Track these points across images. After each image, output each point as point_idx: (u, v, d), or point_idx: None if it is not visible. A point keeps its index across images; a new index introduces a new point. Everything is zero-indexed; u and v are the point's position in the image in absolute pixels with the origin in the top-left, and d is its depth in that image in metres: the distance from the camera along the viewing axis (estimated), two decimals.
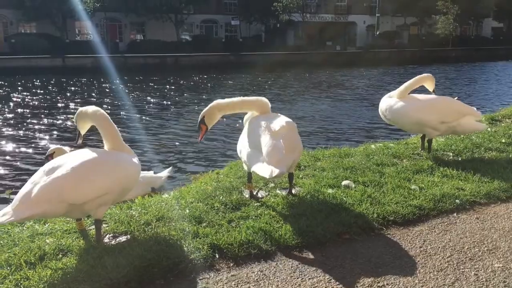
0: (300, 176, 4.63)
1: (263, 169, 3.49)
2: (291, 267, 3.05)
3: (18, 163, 11.70)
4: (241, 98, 4.13)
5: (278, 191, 4.21)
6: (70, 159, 3.09)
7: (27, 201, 2.83)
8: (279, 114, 4.09)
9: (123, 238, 3.28)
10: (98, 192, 3.03)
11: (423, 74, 5.61)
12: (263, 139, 3.66)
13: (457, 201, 4.05)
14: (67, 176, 2.94)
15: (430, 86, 5.67)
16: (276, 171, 3.39)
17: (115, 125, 3.36)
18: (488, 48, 57.61)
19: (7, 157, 12.24)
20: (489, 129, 6.58)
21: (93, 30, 47.95)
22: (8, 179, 10.25)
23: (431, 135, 5.43)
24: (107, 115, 3.36)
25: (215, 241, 3.20)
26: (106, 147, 3.37)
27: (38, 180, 2.94)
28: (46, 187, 2.87)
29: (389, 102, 5.49)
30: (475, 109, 5.51)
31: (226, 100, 4.09)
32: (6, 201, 5.73)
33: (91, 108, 3.39)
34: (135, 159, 3.39)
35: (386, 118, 5.64)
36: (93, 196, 3.01)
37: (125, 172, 3.24)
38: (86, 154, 3.17)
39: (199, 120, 4.02)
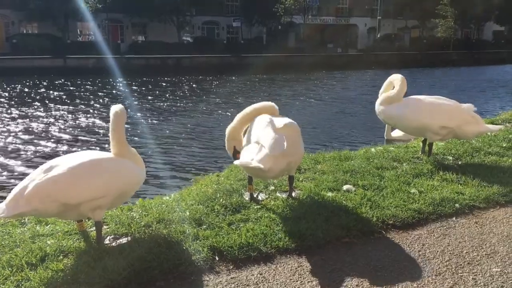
0: (300, 179, 4.65)
1: (246, 158, 3.59)
2: (291, 270, 3.06)
3: (18, 164, 11.72)
4: (251, 106, 4.15)
5: (278, 194, 4.22)
6: (69, 160, 3.11)
7: (20, 198, 2.86)
8: (284, 117, 4.09)
9: (123, 240, 3.30)
10: (92, 195, 3.05)
11: (394, 76, 5.41)
12: (265, 133, 3.66)
13: (456, 205, 4.07)
14: (62, 176, 2.96)
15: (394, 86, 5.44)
16: (256, 163, 3.47)
17: (123, 132, 3.31)
18: (489, 51, 57.65)
19: (7, 158, 12.25)
20: (489, 133, 6.56)
21: (94, 31, 48.00)
22: (8, 178, 10.27)
23: (432, 139, 5.42)
24: (117, 118, 3.26)
25: (215, 244, 3.22)
26: (111, 152, 3.37)
27: (35, 177, 2.97)
28: (40, 185, 2.90)
29: (389, 108, 5.42)
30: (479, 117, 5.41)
31: (235, 119, 4.16)
32: None
33: (112, 108, 3.32)
34: (137, 167, 3.37)
35: (385, 121, 5.66)
36: (86, 199, 3.03)
37: (122, 178, 3.23)
38: (86, 156, 3.19)
39: (231, 155, 4.21)
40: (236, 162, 3.70)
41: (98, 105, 22.17)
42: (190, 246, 3.16)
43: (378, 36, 58.15)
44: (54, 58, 39.10)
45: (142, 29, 54.12)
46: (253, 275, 3.00)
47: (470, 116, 5.33)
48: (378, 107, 5.54)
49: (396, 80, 5.38)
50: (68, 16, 45.77)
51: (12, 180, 9.97)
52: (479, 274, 3.05)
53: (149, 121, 18.09)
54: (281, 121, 3.80)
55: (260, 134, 3.70)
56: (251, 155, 3.64)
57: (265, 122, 3.77)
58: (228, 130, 4.21)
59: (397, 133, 6.87)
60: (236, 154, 4.12)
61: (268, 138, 3.58)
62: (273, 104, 4.17)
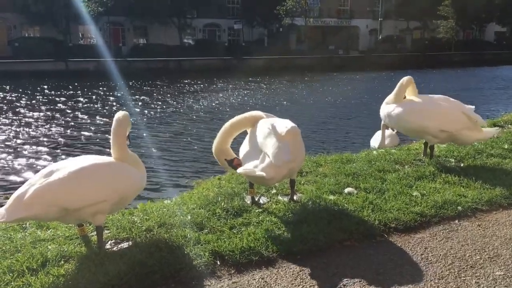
0: (302, 182, 4.63)
1: (249, 166, 3.61)
2: (292, 274, 3.05)
3: (18, 168, 11.73)
4: (229, 122, 4.14)
5: (279, 198, 4.21)
6: (69, 164, 3.11)
7: (20, 203, 2.86)
8: (283, 119, 4.05)
9: (124, 244, 3.29)
10: (92, 199, 3.04)
11: (404, 79, 5.40)
12: (268, 141, 3.65)
13: (458, 208, 4.05)
14: (62, 180, 2.96)
15: (412, 90, 5.46)
16: (260, 173, 3.48)
17: (123, 136, 3.33)
18: (491, 52, 57.62)
19: (7, 162, 12.26)
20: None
21: (96, 34, 48.10)
22: (9, 183, 10.27)
23: (431, 142, 5.41)
24: (119, 124, 3.30)
25: (217, 248, 3.21)
26: (112, 157, 3.36)
27: (35, 182, 2.97)
28: (40, 190, 2.89)
29: (388, 107, 5.46)
30: (480, 118, 5.35)
31: (217, 136, 4.15)
32: None
33: (116, 114, 3.37)
34: (138, 172, 3.37)
35: (388, 124, 5.69)
36: (86, 203, 3.03)
37: (122, 183, 3.23)
38: (86, 160, 3.19)
39: (230, 166, 4.18)
40: (239, 170, 3.68)
41: (99, 109, 22.20)
42: (192, 251, 3.15)
43: (380, 37, 58.15)
44: (56, 62, 39.25)
45: (144, 32, 54.18)
46: (254, 279, 2.98)
47: (470, 121, 5.27)
48: (382, 106, 5.59)
49: (408, 85, 5.39)
50: (69, 19, 45.90)
51: (13, 185, 9.96)
52: (482, 278, 3.03)
53: (150, 124, 18.09)
54: (284, 127, 3.72)
55: (263, 141, 3.68)
56: (254, 162, 3.64)
57: (268, 128, 3.74)
58: (213, 149, 4.18)
59: (387, 142, 6.87)
60: (231, 163, 4.12)
61: (273, 147, 3.57)
62: (255, 114, 4.11)
